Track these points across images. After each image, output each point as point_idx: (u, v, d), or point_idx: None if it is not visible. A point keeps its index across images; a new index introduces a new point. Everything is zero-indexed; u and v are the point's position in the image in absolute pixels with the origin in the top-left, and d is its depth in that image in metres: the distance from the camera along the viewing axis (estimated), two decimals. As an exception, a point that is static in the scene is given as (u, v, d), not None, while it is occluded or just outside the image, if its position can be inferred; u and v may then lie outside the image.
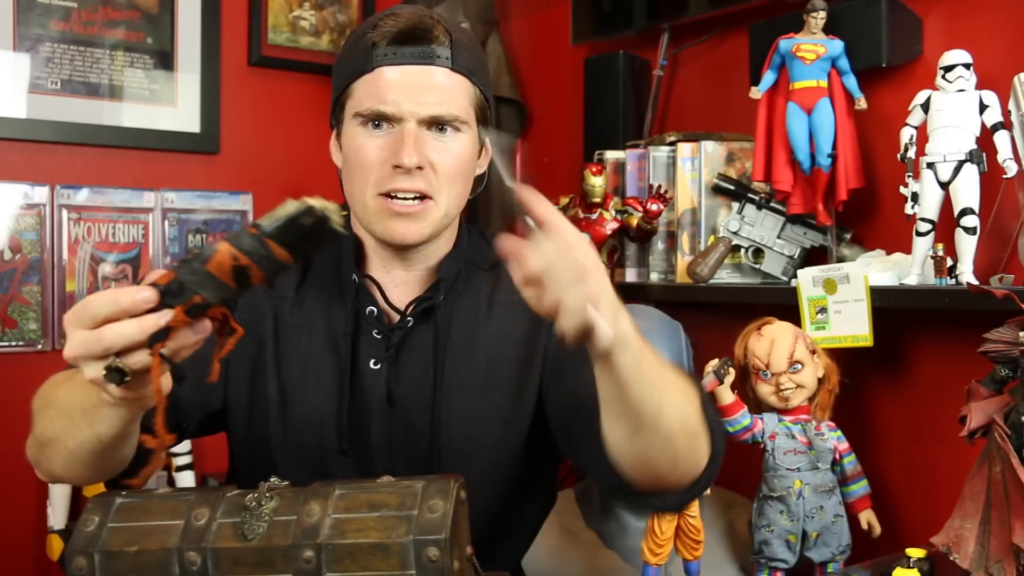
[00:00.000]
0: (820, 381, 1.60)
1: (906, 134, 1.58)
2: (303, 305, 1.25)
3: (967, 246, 1.50)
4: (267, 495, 0.89)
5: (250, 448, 1.26)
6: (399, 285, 1.26)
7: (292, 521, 0.86)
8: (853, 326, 1.60)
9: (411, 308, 1.23)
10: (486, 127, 1.26)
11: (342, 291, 1.25)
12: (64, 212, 2.27)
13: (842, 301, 1.61)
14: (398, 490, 0.87)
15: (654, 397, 0.97)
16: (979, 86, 1.53)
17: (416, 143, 1.16)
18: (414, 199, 1.18)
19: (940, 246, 1.53)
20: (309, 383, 1.23)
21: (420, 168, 1.17)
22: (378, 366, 1.22)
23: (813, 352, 1.60)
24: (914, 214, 1.56)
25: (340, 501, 0.87)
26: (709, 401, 1.11)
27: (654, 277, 2.04)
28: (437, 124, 1.18)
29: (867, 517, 1.61)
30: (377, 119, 1.18)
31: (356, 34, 1.23)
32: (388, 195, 1.18)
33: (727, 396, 1.58)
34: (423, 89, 1.17)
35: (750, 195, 1.87)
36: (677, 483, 1.08)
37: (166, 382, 0.88)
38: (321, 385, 1.22)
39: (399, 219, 1.19)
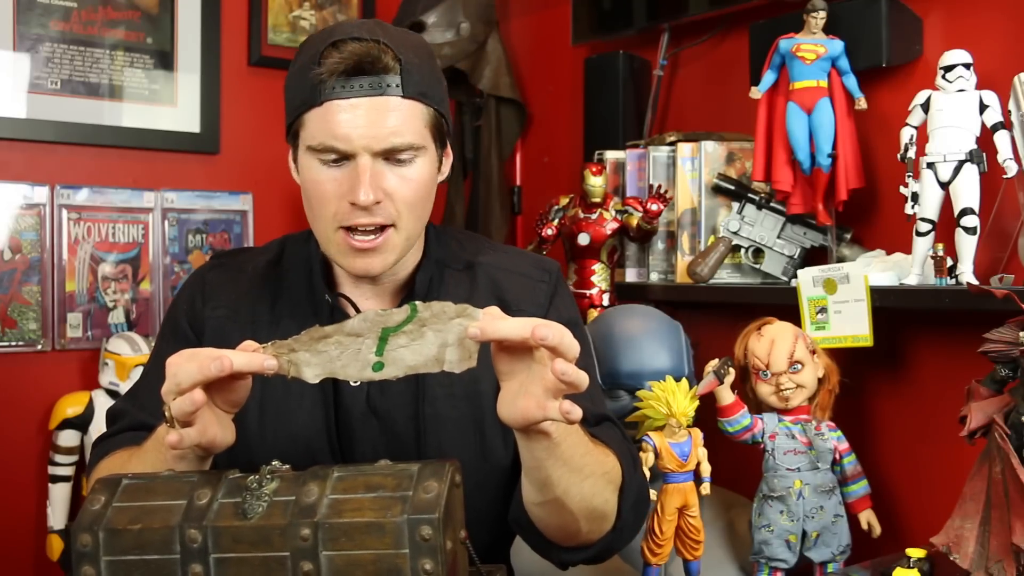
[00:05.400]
0: (820, 381, 1.60)
1: (906, 134, 1.58)
2: (279, 325, 1.24)
3: (967, 246, 1.50)
4: (268, 477, 0.91)
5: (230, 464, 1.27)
6: (370, 298, 1.26)
7: (291, 501, 0.88)
8: (853, 326, 1.60)
9: None
10: (444, 142, 1.24)
11: (316, 309, 1.25)
12: (64, 212, 2.27)
13: (842, 301, 1.61)
14: (395, 472, 0.90)
15: (563, 477, 1.04)
16: (979, 86, 1.53)
17: (372, 178, 1.14)
18: (374, 231, 1.17)
19: (940, 246, 1.53)
20: (292, 401, 1.22)
21: (378, 202, 1.15)
22: (358, 382, 1.22)
23: (813, 352, 1.60)
24: (914, 214, 1.56)
25: (338, 483, 0.89)
26: (632, 485, 1.17)
27: (654, 277, 2.04)
28: (393, 154, 1.16)
29: (867, 517, 1.61)
30: (330, 152, 1.16)
31: (304, 58, 1.19)
32: (349, 229, 1.17)
33: (727, 396, 1.57)
34: (375, 122, 1.13)
35: (750, 195, 1.87)
36: (583, 542, 1.17)
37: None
38: (304, 403, 1.22)
39: (360, 255, 1.18)
